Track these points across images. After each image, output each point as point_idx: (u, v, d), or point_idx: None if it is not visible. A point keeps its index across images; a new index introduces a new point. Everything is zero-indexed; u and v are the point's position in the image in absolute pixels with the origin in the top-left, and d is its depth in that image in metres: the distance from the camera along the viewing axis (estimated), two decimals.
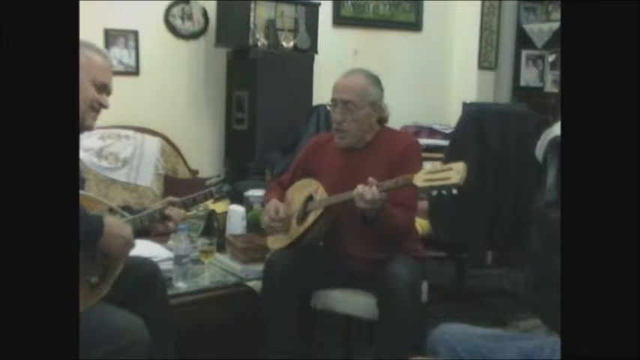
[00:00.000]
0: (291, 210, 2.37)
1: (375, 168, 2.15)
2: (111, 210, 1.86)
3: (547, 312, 1.95)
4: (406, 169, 2.09)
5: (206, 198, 2.04)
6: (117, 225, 1.79)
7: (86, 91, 1.85)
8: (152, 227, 1.98)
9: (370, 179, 2.02)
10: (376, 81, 2.33)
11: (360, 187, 2.02)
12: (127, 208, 1.98)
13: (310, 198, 2.33)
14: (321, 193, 2.29)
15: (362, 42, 4.45)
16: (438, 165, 2.00)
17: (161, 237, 2.50)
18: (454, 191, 1.86)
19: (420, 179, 1.94)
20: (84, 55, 1.87)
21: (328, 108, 2.41)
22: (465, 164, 1.85)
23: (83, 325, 1.17)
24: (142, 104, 3.63)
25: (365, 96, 2.27)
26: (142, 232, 2.00)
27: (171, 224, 1.98)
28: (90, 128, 1.93)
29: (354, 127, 2.27)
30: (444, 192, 1.89)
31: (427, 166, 2.19)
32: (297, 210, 2.35)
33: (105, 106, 1.91)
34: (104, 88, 1.91)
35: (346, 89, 2.28)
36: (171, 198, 2.01)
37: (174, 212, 1.97)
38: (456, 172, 1.84)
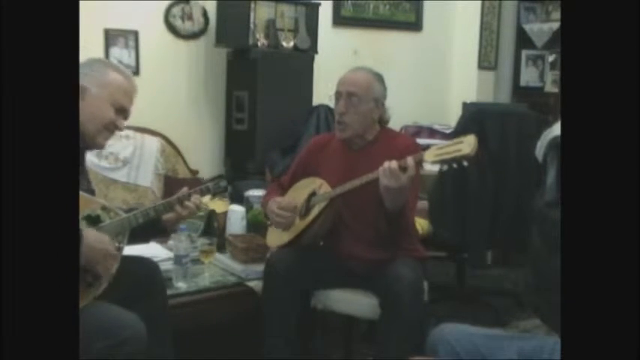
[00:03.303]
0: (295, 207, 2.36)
1: (376, 167, 2.14)
2: (104, 208, 1.84)
3: (547, 312, 1.95)
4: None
5: (202, 194, 2.03)
6: (95, 238, 1.74)
7: (105, 111, 1.86)
8: (156, 225, 1.98)
9: (386, 161, 2.00)
10: (381, 79, 2.36)
11: (385, 163, 2.00)
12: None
13: (313, 194, 2.33)
14: (324, 189, 2.29)
15: (362, 42, 4.45)
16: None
17: (161, 237, 2.50)
18: (465, 163, 1.86)
19: (431, 155, 1.94)
20: (109, 75, 1.89)
21: (329, 101, 2.40)
22: (476, 136, 1.85)
23: (80, 320, 1.17)
24: (142, 104, 3.62)
25: (369, 91, 2.30)
26: (157, 231, 2.02)
27: (191, 205, 1.96)
28: (101, 147, 1.95)
29: (356, 119, 2.28)
30: (454, 165, 1.88)
31: (427, 166, 2.19)
32: (301, 206, 2.35)
33: (120, 129, 1.92)
34: (123, 111, 1.91)
35: (352, 82, 2.30)
36: (185, 189, 2.00)
37: (195, 199, 1.97)
38: (467, 144, 1.84)
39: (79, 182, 1.89)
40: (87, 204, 1.82)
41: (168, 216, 1.99)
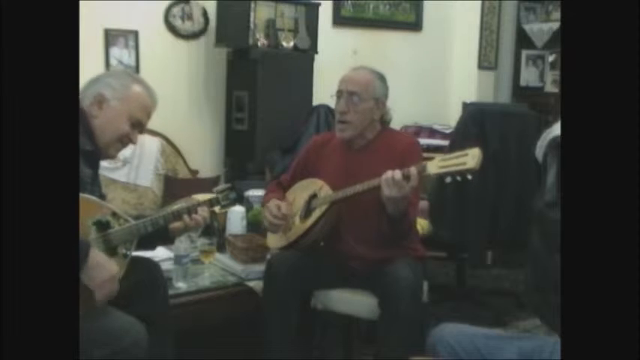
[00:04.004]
0: (294, 209, 2.36)
1: (376, 167, 2.14)
2: (114, 214, 1.83)
3: (547, 312, 1.95)
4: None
5: (212, 205, 2.02)
6: (103, 259, 1.70)
7: (121, 123, 1.86)
8: (162, 233, 1.96)
9: (389, 171, 2.00)
10: (382, 79, 2.37)
11: (388, 173, 1.99)
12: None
13: (314, 196, 2.33)
14: (325, 191, 2.29)
15: (362, 42, 4.45)
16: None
17: (167, 245, 2.47)
18: (469, 177, 1.84)
19: (434, 166, 1.93)
20: (131, 89, 1.88)
21: (331, 99, 2.40)
22: (480, 150, 1.83)
23: (81, 327, 1.16)
24: None
25: (370, 90, 2.30)
26: (164, 239, 2.01)
27: (199, 218, 1.95)
28: (112, 158, 1.95)
29: (357, 118, 2.29)
30: (458, 178, 1.86)
31: None
32: (300, 208, 2.35)
33: (134, 143, 1.92)
34: (138, 126, 1.91)
35: (352, 81, 2.31)
36: (194, 196, 2.00)
37: (203, 211, 1.96)
38: (472, 157, 1.83)
39: (93, 188, 1.89)
40: (98, 209, 1.81)
41: (175, 225, 1.96)
